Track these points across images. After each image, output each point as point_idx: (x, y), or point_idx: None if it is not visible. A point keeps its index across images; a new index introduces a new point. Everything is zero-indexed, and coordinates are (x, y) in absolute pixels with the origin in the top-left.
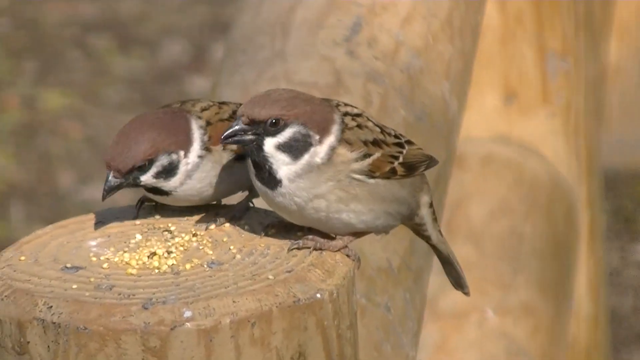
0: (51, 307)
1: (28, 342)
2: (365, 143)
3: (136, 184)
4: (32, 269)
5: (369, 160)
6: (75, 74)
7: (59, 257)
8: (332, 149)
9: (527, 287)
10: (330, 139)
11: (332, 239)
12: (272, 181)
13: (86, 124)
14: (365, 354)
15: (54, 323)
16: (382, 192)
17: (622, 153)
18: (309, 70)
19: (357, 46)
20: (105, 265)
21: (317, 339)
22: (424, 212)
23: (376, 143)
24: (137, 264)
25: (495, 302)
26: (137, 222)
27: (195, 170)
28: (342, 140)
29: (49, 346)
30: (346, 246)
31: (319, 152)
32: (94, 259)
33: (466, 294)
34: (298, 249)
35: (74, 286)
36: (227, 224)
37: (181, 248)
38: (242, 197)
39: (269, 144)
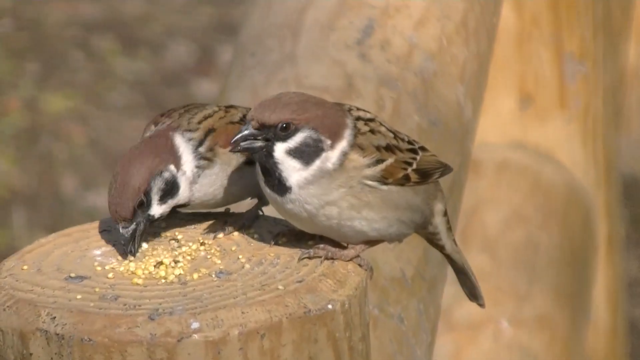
0: (55, 317)
1: (31, 354)
2: (378, 148)
3: (152, 220)
4: (35, 278)
5: (381, 166)
6: (78, 76)
7: (63, 266)
8: (344, 154)
9: (543, 298)
10: (343, 144)
11: (344, 248)
12: (282, 188)
13: (89, 127)
14: None
15: (58, 334)
16: (395, 199)
17: None
18: (320, 74)
19: (370, 49)
20: (110, 275)
21: (328, 351)
22: (438, 221)
23: (389, 148)
24: (143, 274)
25: (511, 313)
26: None
27: (199, 177)
28: (355, 146)
29: (52, 358)
30: (358, 255)
31: (330, 157)
32: (99, 268)
33: (481, 305)
34: (309, 258)
35: (78, 296)
36: (236, 233)
37: (188, 257)
38: (251, 205)
39: (279, 150)
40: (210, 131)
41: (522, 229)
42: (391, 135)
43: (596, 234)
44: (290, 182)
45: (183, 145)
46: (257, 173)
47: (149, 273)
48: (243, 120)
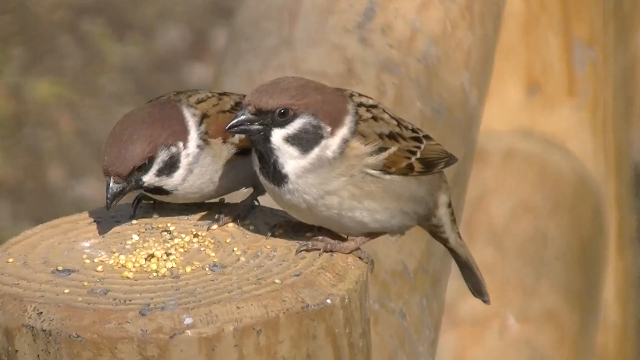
0: (41, 313)
1: (17, 351)
2: (380, 136)
3: (139, 186)
4: (21, 272)
5: (384, 155)
6: (66, 62)
7: (50, 259)
8: (345, 142)
9: (551, 293)
10: (343, 131)
11: (344, 240)
12: (278, 176)
13: (78, 116)
14: None
15: (45, 330)
16: (398, 189)
17: None
18: (319, 59)
19: (370, 33)
20: (99, 268)
21: (327, 348)
22: (442, 213)
23: (392, 136)
24: (134, 267)
25: (518, 309)
26: (134, 221)
27: (196, 162)
28: (356, 133)
29: (38, 355)
30: (359, 248)
31: (330, 145)
32: (88, 261)
33: (486, 302)
34: (307, 250)
35: (66, 290)
36: (231, 224)
37: (181, 250)
38: (246, 195)
39: (277, 136)
40: (204, 116)
41: (529, 220)
42: (394, 122)
43: (606, 226)
44: (286, 170)
45: (191, 121)
46: (253, 161)
47: (140, 266)
48: (235, 109)
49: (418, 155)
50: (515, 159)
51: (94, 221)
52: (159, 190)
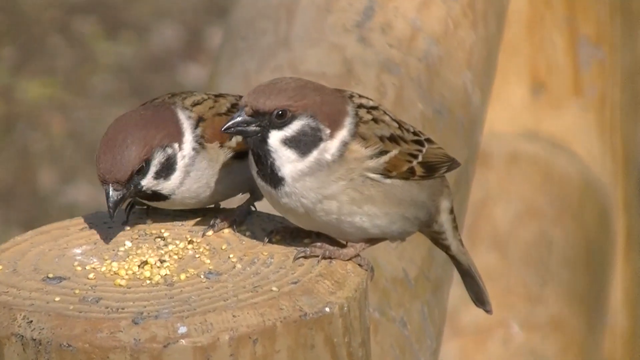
0: (31, 321)
1: None
2: (381, 139)
3: (138, 191)
4: (10, 279)
5: (385, 158)
6: (57, 62)
7: (40, 266)
8: (345, 144)
9: (556, 300)
10: (343, 134)
11: (343, 246)
12: (275, 179)
13: (69, 117)
14: None
15: (35, 339)
16: (398, 193)
17: None
18: (317, 59)
19: (370, 32)
20: (91, 276)
21: (326, 357)
22: (444, 219)
23: (393, 139)
24: (127, 274)
25: (522, 316)
26: (127, 227)
27: (192, 165)
28: (357, 135)
29: None
30: (358, 254)
31: (329, 147)
32: (79, 268)
33: (488, 311)
34: (305, 257)
35: (57, 298)
36: (227, 230)
37: (175, 256)
38: (242, 200)
39: (274, 138)
40: (200, 119)
41: (534, 225)
42: (395, 125)
43: (614, 230)
44: (282, 172)
45: (185, 123)
46: (250, 164)
47: (133, 273)
48: (231, 111)
49: (420, 159)
50: (519, 161)
51: (86, 227)
52: (156, 195)
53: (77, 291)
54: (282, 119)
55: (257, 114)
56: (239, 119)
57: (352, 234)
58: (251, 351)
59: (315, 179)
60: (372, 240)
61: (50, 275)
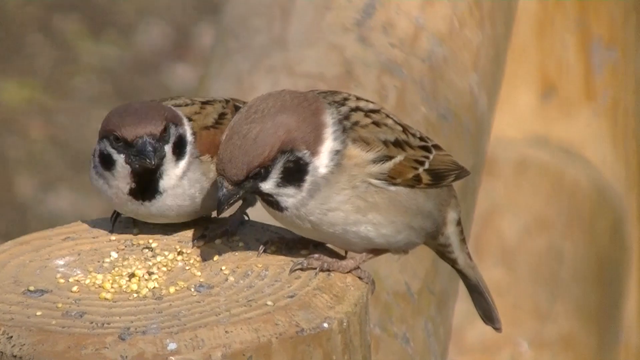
0: (11, 337)
1: None
2: (385, 143)
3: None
4: None
5: (389, 164)
6: (37, 62)
7: (20, 278)
8: (337, 153)
9: (567, 316)
10: (327, 145)
11: (342, 258)
12: (280, 208)
13: (50, 121)
14: None
15: (15, 356)
16: (404, 201)
17: None
18: (314, 60)
19: (371, 31)
20: (74, 289)
21: None
22: (451, 231)
23: (398, 144)
24: (113, 287)
25: (531, 334)
26: (113, 237)
27: (188, 170)
28: (354, 140)
29: None
30: (358, 267)
31: (317, 164)
32: (62, 281)
33: (497, 329)
34: (302, 269)
35: (38, 313)
36: (218, 240)
37: (164, 268)
38: (234, 209)
39: (267, 187)
40: (190, 119)
41: (543, 237)
42: (400, 128)
43: (627, 242)
44: (287, 205)
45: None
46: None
47: (119, 286)
48: (219, 122)
49: (426, 166)
50: (528, 169)
51: (69, 237)
52: (149, 188)
53: (59, 305)
54: (262, 175)
55: (236, 184)
56: (223, 195)
57: (356, 244)
58: None
59: (318, 198)
60: (374, 252)
61: (31, 288)
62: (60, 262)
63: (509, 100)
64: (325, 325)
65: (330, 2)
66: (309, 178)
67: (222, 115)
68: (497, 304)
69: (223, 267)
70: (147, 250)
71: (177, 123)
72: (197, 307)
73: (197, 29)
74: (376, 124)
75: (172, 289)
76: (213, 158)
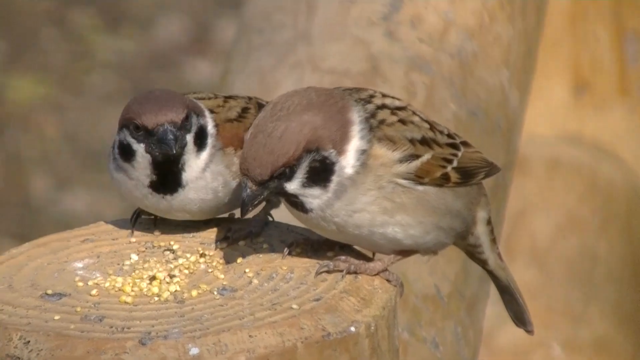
0: (28, 342)
1: None
2: (412, 142)
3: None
4: (5, 296)
5: (416, 163)
6: (51, 58)
7: (38, 281)
8: (363, 152)
9: (601, 319)
10: (354, 143)
11: (370, 260)
12: (305, 210)
13: (65, 119)
14: None
15: None
16: (432, 201)
17: None
18: (340, 55)
19: (398, 26)
20: (94, 292)
21: None
22: (481, 231)
23: (425, 142)
24: (133, 291)
25: (564, 337)
26: (133, 239)
27: (211, 162)
28: (381, 139)
29: None
30: (386, 269)
31: (344, 163)
32: (81, 284)
33: (529, 332)
34: (328, 272)
35: (56, 317)
36: (242, 242)
37: (186, 271)
38: (258, 209)
39: (291, 187)
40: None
41: (576, 238)
42: (427, 125)
43: None
44: (312, 206)
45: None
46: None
47: (140, 290)
48: (242, 116)
49: (455, 164)
50: (560, 168)
51: (88, 239)
52: (171, 181)
53: (78, 309)
54: (287, 175)
55: (260, 184)
56: (247, 195)
57: (383, 245)
58: None
59: (344, 200)
60: (402, 253)
61: (49, 292)
62: (79, 264)
63: (541, 96)
64: (353, 329)
65: None
66: (335, 178)
67: (245, 110)
68: (529, 306)
69: (247, 270)
70: (168, 252)
71: (199, 113)
72: (220, 310)
73: (218, 23)
74: (402, 121)
75: (194, 292)
76: (236, 151)
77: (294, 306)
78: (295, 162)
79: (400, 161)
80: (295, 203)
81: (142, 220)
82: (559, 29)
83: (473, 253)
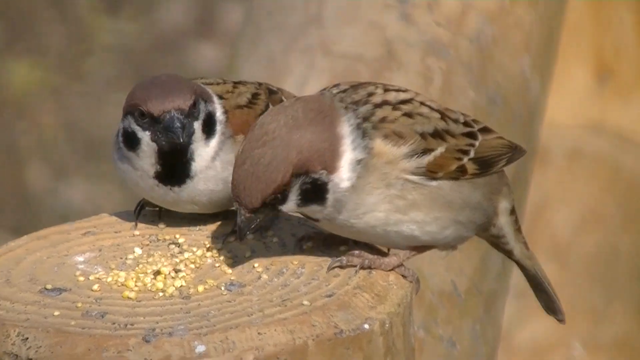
0: (27, 339)
1: None
2: (422, 135)
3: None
4: (3, 291)
5: (429, 158)
6: (49, 41)
7: (37, 276)
8: (359, 162)
9: (624, 317)
10: (346, 157)
11: (385, 254)
12: (312, 219)
13: (63, 106)
14: None
15: (31, 359)
16: (448, 195)
17: None
18: (353, 40)
19: (414, 9)
20: (95, 287)
21: None
22: (504, 221)
23: (438, 134)
24: (136, 286)
25: (585, 335)
26: (137, 232)
27: (221, 150)
28: (385, 136)
29: None
30: (402, 264)
31: (337, 181)
32: (82, 278)
33: (560, 321)
34: (341, 267)
35: (56, 313)
36: (251, 236)
37: (192, 266)
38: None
39: (287, 209)
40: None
41: (598, 232)
42: (437, 116)
43: None
44: (317, 217)
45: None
46: None
47: (144, 285)
48: (253, 102)
49: (472, 154)
50: (582, 158)
51: (89, 231)
52: (179, 171)
53: (79, 304)
54: (279, 200)
55: (254, 211)
56: (242, 224)
57: (399, 242)
58: None
59: (348, 209)
60: (419, 248)
61: (49, 287)
62: (80, 258)
63: (562, 83)
64: (366, 326)
65: None
66: (330, 195)
67: (255, 95)
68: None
69: (256, 265)
70: (173, 246)
71: (207, 99)
72: (227, 307)
73: (223, 5)
74: (408, 115)
75: (200, 288)
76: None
77: (305, 302)
78: (285, 188)
79: (409, 156)
80: (301, 213)
81: (146, 212)
82: (581, 12)
83: (497, 244)
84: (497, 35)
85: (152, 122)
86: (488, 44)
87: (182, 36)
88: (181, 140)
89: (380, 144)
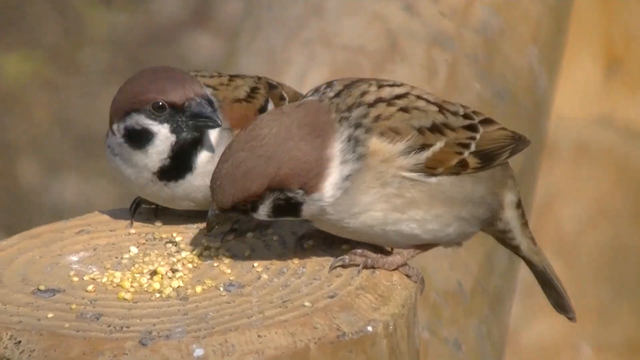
0: (19, 342)
1: None
2: (420, 130)
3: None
4: None
5: (427, 154)
6: (41, 32)
7: (30, 276)
8: (347, 177)
9: (633, 316)
10: (332, 178)
11: (388, 253)
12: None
13: (55, 99)
14: None
15: None
16: (448, 192)
17: None
18: (355, 31)
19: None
20: (90, 288)
21: None
22: (510, 215)
23: (436, 129)
24: (132, 287)
25: (594, 336)
26: (132, 230)
27: (219, 147)
28: (381, 133)
29: None
30: (406, 263)
31: (317, 198)
32: (76, 279)
33: (571, 319)
34: (343, 266)
35: (50, 315)
36: (250, 234)
37: (190, 265)
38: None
39: (259, 216)
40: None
41: (606, 229)
42: (434, 109)
43: None
44: (303, 215)
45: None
46: None
47: (140, 285)
48: (251, 96)
49: (472, 148)
50: (590, 153)
51: (83, 230)
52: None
53: (73, 306)
54: (248, 208)
55: (225, 210)
56: (212, 216)
57: (400, 242)
58: None
59: (339, 209)
60: (422, 247)
61: (42, 287)
62: (74, 258)
63: (570, 75)
64: (370, 328)
65: None
66: (304, 211)
67: (254, 89)
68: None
69: (255, 264)
70: (170, 245)
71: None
72: (226, 308)
73: None
74: (404, 109)
75: (198, 289)
76: None
77: (307, 304)
78: (257, 199)
79: (406, 153)
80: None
81: (142, 210)
82: (589, 3)
83: (504, 239)
84: (504, 26)
85: (174, 112)
86: (494, 36)
87: (178, 28)
88: (220, 124)
89: (375, 142)
